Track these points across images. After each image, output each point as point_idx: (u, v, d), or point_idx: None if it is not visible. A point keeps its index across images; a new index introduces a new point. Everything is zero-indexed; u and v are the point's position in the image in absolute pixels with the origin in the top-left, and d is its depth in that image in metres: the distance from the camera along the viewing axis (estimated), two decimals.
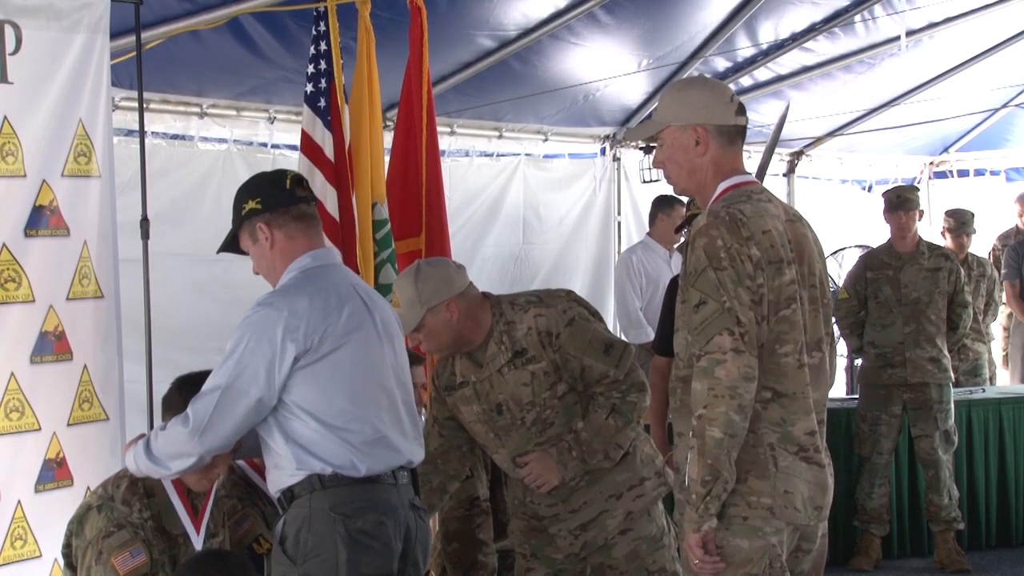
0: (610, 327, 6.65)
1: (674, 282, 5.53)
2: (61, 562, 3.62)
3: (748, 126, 3.38)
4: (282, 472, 3.38)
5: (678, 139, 3.29)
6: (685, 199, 6.88)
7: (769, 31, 8.18)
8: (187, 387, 3.57)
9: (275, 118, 7.24)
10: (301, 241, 3.52)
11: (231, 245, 3.65)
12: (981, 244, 9.09)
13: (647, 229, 7.88)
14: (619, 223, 9.39)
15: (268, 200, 3.51)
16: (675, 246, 7.50)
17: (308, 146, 5.32)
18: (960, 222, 8.56)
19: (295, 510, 3.35)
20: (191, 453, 3.34)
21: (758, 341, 3.11)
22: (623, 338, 7.24)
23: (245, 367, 3.32)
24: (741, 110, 3.32)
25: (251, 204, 3.52)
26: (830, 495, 3.27)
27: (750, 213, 3.18)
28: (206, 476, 3.56)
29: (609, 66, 7.94)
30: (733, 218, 3.15)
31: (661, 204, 7.45)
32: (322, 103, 5.31)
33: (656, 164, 3.42)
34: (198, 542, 3.56)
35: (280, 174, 3.65)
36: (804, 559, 3.28)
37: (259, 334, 3.35)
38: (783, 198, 10.36)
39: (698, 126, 3.26)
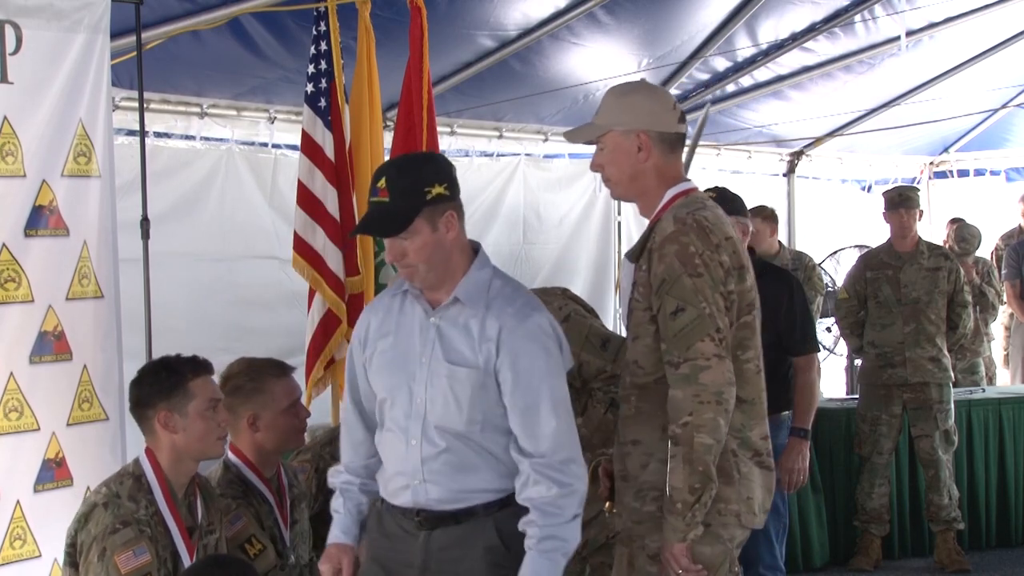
0: (610, 327, 6.67)
1: None
2: (62, 561, 3.60)
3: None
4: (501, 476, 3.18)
5: (620, 144, 3.28)
6: None
7: (769, 31, 8.18)
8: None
9: (275, 118, 7.24)
10: (465, 233, 3.23)
11: (389, 224, 3.11)
12: (982, 244, 9.09)
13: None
14: (619, 223, 9.39)
15: (455, 188, 3.15)
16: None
17: (308, 146, 5.33)
18: (960, 237, 8.59)
19: (509, 517, 3.14)
20: None
21: None
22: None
23: None
24: (682, 118, 3.33)
25: (438, 189, 3.10)
26: (772, 497, 3.35)
27: (713, 220, 3.21)
28: None
29: (609, 66, 7.94)
30: (700, 225, 3.16)
31: None
32: (322, 103, 5.32)
33: (595, 167, 3.40)
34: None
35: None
36: None
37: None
38: (783, 198, 10.56)
39: (641, 132, 3.26)
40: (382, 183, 3.08)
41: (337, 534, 3.27)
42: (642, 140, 3.25)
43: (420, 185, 3.07)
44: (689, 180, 3.34)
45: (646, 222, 3.36)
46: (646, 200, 3.31)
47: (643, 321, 3.23)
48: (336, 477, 3.34)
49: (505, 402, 3.10)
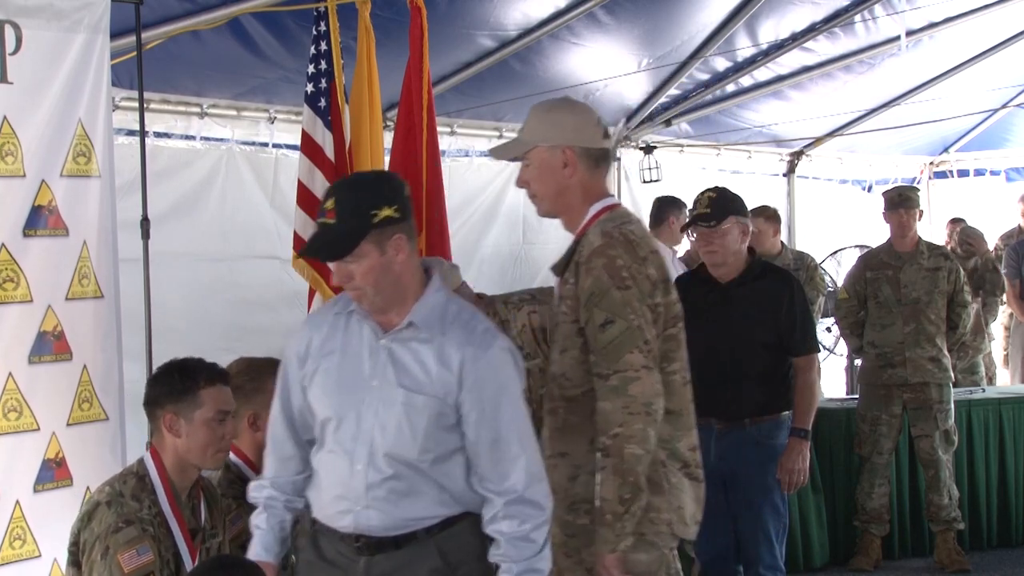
0: None
1: (678, 281, 5.54)
2: (65, 560, 3.60)
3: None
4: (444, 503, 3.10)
5: (546, 160, 3.30)
6: (688, 198, 6.89)
7: (769, 31, 8.18)
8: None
9: (275, 118, 7.24)
10: (417, 255, 3.17)
11: (334, 248, 3.04)
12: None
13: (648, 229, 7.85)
14: None
15: (405, 210, 3.05)
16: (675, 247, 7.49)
17: (308, 146, 5.33)
18: (963, 241, 8.62)
19: (451, 538, 3.08)
20: None
21: None
22: None
23: None
24: (606, 133, 3.36)
25: (387, 211, 3.01)
26: (702, 508, 3.37)
27: (639, 233, 3.27)
28: None
29: (609, 66, 7.94)
30: (627, 239, 3.21)
31: (671, 206, 7.42)
32: (322, 103, 5.32)
33: (520, 184, 3.41)
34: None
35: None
36: None
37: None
38: (783, 198, 10.56)
39: (567, 148, 3.28)
40: (330, 204, 3.02)
41: (258, 551, 3.18)
42: (568, 156, 3.28)
43: (367, 207, 2.99)
44: (612, 196, 3.39)
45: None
46: (571, 216, 3.34)
47: (571, 334, 3.24)
48: (259, 491, 3.23)
49: (469, 434, 3.03)
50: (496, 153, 3.55)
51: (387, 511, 3.05)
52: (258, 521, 3.22)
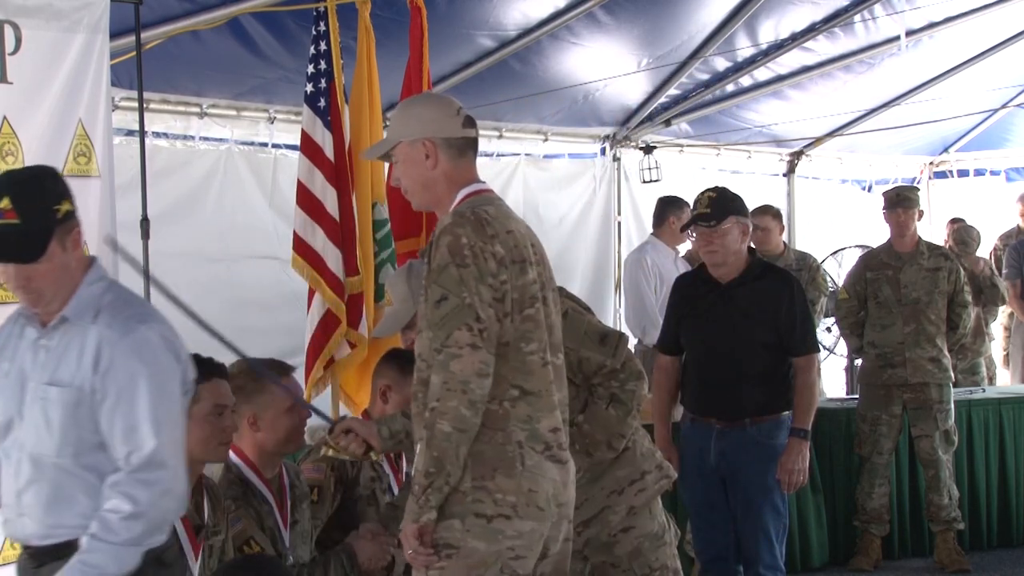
0: (614, 327, 6.65)
1: (678, 281, 5.55)
2: None
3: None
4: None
5: (409, 154, 3.33)
6: (688, 198, 6.90)
7: (769, 31, 8.19)
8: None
9: (275, 118, 7.25)
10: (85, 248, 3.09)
11: (25, 250, 2.89)
12: (982, 245, 9.09)
13: (648, 229, 7.85)
14: (619, 223, 9.38)
15: (74, 202, 3.00)
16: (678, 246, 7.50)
17: (308, 146, 5.34)
18: (960, 240, 8.62)
19: None
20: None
21: (503, 339, 3.17)
22: (639, 337, 7.23)
23: None
24: (469, 122, 3.37)
25: (67, 205, 2.93)
26: (571, 490, 3.33)
27: (495, 213, 3.26)
28: None
29: (609, 66, 7.95)
30: (478, 217, 3.21)
31: (671, 205, 7.42)
32: (322, 103, 5.32)
33: (393, 181, 3.47)
34: (195, 568, 3.53)
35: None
36: (543, 563, 3.28)
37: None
38: (783, 198, 10.57)
39: (426, 140, 3.31)
40: (4, 203, 2.84)
41: None
42: (428, 148, 3.31)
43: (50, 203, 2.89)
44: (483, 183, 3.39)
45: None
46: (440, 207, 3.38)
47: (424, 314, 3.25)
48: None
49: (103, 423, 2.88)
50: (366, 154, 3.60)
51: (38, 518, 2.91)
52: None
